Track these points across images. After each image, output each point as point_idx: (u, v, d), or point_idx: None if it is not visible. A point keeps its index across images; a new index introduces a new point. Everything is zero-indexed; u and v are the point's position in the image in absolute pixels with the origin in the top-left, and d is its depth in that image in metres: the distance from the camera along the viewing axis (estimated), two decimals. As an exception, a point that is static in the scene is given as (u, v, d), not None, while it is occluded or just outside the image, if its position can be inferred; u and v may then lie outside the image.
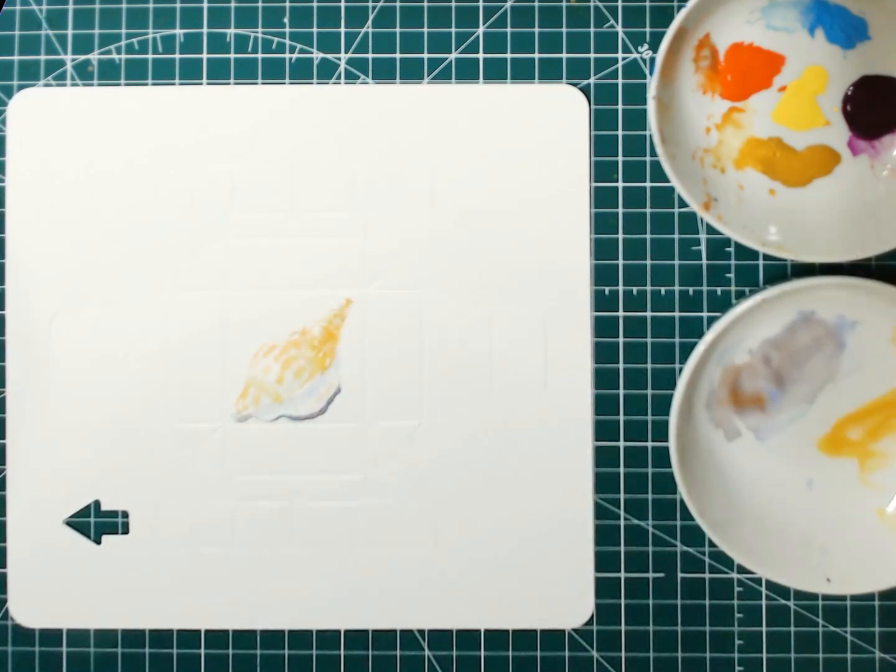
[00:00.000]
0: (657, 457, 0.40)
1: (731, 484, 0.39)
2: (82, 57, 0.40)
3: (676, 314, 0.40)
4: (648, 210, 0.40)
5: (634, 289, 0.40)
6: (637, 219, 0.40)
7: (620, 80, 0.40)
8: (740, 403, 0.39)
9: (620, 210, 0.40)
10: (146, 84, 0.40)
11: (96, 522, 0.40)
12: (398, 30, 0.40)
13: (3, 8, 0.40)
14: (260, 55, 0.40)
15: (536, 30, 0.40)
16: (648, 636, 0.40)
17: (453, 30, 0.40)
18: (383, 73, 0.40)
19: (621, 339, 0.40)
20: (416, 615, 0.40)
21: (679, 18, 0.36)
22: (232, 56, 0.40)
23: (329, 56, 0.40)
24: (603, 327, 0.40)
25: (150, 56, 0.40)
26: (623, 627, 0.40)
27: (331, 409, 0.40)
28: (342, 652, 0.40)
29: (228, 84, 0.40)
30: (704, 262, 0.40)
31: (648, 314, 0.40)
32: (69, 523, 0.40)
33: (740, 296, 0.40)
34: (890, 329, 0.39)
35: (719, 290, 0.40)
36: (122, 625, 0.40)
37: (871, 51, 0.38)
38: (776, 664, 0.40)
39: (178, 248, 0.40)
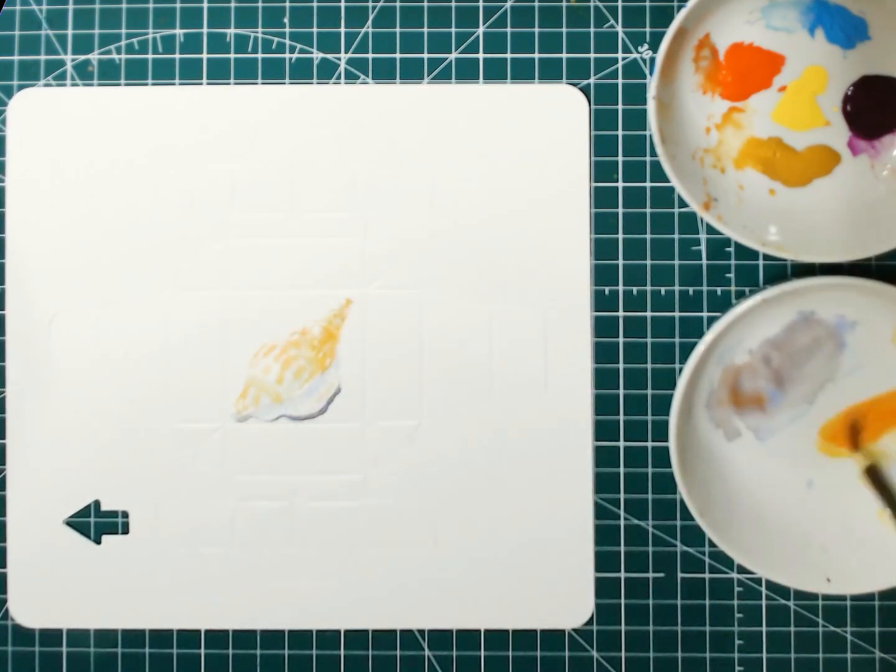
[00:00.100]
0: (657, 457, 0.40)
1: (731, 484, 0.39)
2: (82, 57, 0.40)
3: (676, 314, 0.40)
4: (648, 210, 0.40)
5: (634, 289, 0.40)
6: (637, 219, 0.40)
7: (620, 80, 0.40)
8: (740, 403, 0.39)
9: (620, 210, 0.40)
10: (146, 84, 0.40)
11: (96, 522, 0.40)
12: (398, 30, 0.40)
13: (3, 8, 0.40)
14: (260, 55, 0.40)
15: (536, 30, 0.40)
16: (648, 636, 0.40)
17: (453, 30, 0.40)
18: (383, 73, 0.40)
19: (621, 339, 0.40)
20: (416, 615, 0.40)
21: (679, 18, 0.36)
22: (232, 56, 0.40)
23: (329, 56, 0.40)
24: (603, 327, 0.40)
25: (150, 56, 0.40)
26: (623, 627, 0.40)
27: (331, 409, 0.40)
28: (342, 652, 0.40)
29: (228, 84, 0.40)
30: (704, 262, 0.40)
31: (648, 314, 0.40)
32: (69, 523, 0.40)
33: (740, 296, 0.40)
34: (890, 329, 0.39)
35: (719, 290, 0.40)
36: (122, 625, 0.40)
37: (871, 51, 0.38)
38: (776, 664, 0.40)
39: (178, 248, 0.40)
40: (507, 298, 0.40)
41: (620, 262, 0.40)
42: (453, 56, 0.40)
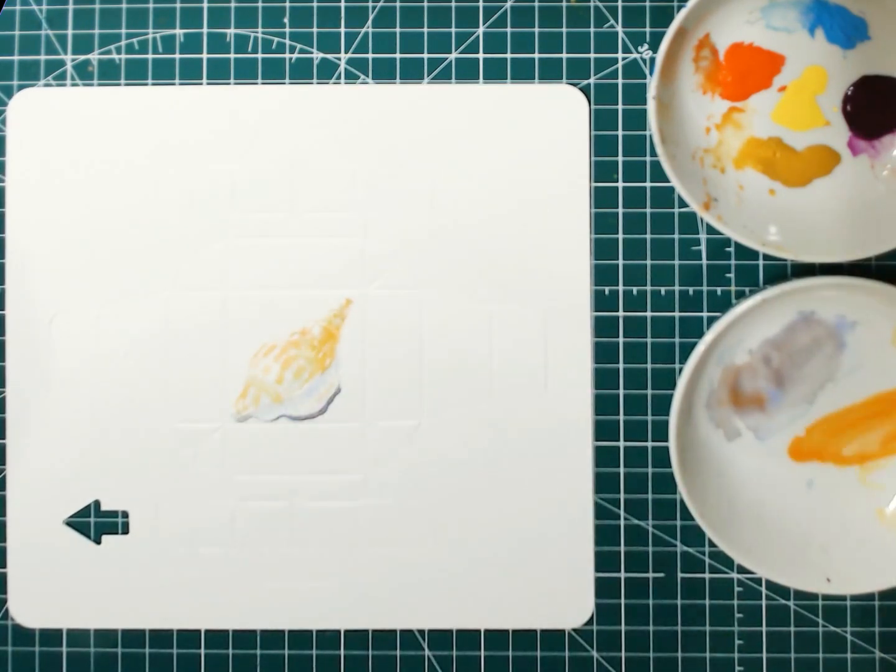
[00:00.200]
0: (657, 457, 0.40)
1: (731, 484, 0.39)
2: (82, 57, 0.40)
3: (676, 314, 0.40)
4: (648, 210, 0.40)
5: (634, 289, 0.40)
6: (637, 219, 0.40)
7: (620, 80, 0.40)
8: (740, 403, 0.39)
9: (620, 210, 0.40)
10: (146, 84, 0.40)
11: (96, 522, 0.40)
12: (398, 30, 0.40)
13: (3, 8, 0.40)
14: (260, 55, 0.40)
15: (536, 30, 0.40)
16: (648, 636, 0.40)
17: (453, 30, 0.40)
18: (383, 73, 0.40)
19: (621, 339, 0.40)
20: (416, 615, 0.40)
21: (679, 18, 0.36)
22: (232, 56, 0.40)
23: (329, 56, 0.40)
24: (603, 327, 0.40)
25: (150, 56, 0.40)
26: (623, 627, 0.40)
27: (331, 409, 0.40)
28: (342, 652, 0.40)
29: (228, 84, 0.40)
30: (704, 262, 0.40)
31: (648, 314, 0.40)
32: (69, 523, 0.40)
33: (740, 296, 0.40)
34: (890, 329, 0.39)
35: (719, 290, 0.40)
36: (122, 625, 0.40)
37: (871, 51, 0.38)
38: (776, 664, 0.40)
39: (178, 248, 0.40)
40: (507, 298, 0.40)
41: (620, 262, 0.40)
42: (453, 56, 0.40)
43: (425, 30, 0.40)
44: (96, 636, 0.40)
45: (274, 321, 0.40)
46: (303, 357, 0.40)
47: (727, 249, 0.40)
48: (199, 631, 0.40)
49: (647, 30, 0.40)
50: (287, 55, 0.40)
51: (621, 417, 0.40)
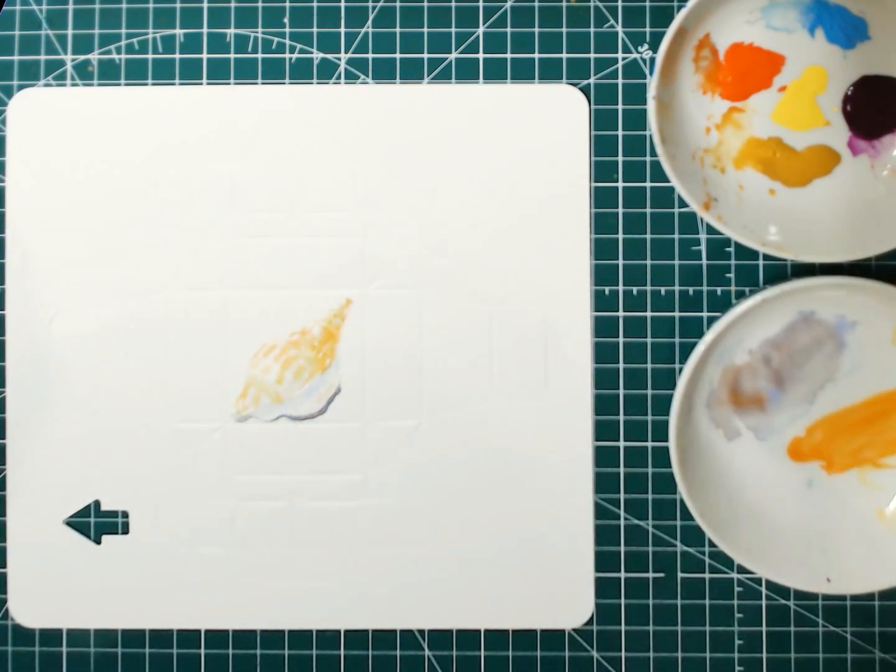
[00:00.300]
0: (657, 457, 0.40)
1: (731, 484, 0.39)
2: (82, 57, 0.40)
3: (676, 314, 0.40)
4: (648, 210, 0.40)
5: (634, 289, 0.40)
6: (637, 219, 0.40)
7: (620, 80, 0.40)
8: (740, 403, 0.39)
9: (620, 210, 0.40)
10: (146, 84, 0.40)
11: (96, 522, 0.40)
12: (398, 30, 0.40)
13: (3, 8, 0.40)
14: (260, 55, 0.40)
15: (536, 30, 0.40)
16: (648, 636, 0.40)
17: (453, 30, 0.40)
18: (383, 73, 0.40)
19: (621, 339, 0.40)
20: (416, 615, 0.40)
21: (679, 18, 0.36)
22: (232, 56, 0.40)
23: (329, 56, 0.40)
24: (603, 327, 0.40)
25: (150, 56, 0.40)
26: (623, 627, 0.40)
27: (331, 409, 0.40)
28: (342, 652, 0.40)
29: (228, 84, 0.40)
30: (704, 262, 0.40)
31: (648, 314, 0.40)
32: (69, 523, 0.40)
33: (740, 296, 0.40)
34: (890, 329, 0.39)
35: (719, 290, 0.40)
36: (122, 625, 0.40)
37: (871, 51, 0.38)
38: (776, 664, 0.40)
39: (178, 248, 0.40)
40: (507, 298, 0.40)
41: (620, 262, 0.40)
42: (453, 56, 0.40)
43: (425, 30, 0.40)
44: (96, 636, 0.40)
45: (274, 321, 0.40)
46: (303, 357, 0.40)
47: (727, 249, 0.40)
48: (199, 631, 0.40)
49: (647, 30, 0.40)
50: (287, 55, 0.40)
51: (621, 417, 0.40)
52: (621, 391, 0.40)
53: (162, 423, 0.40)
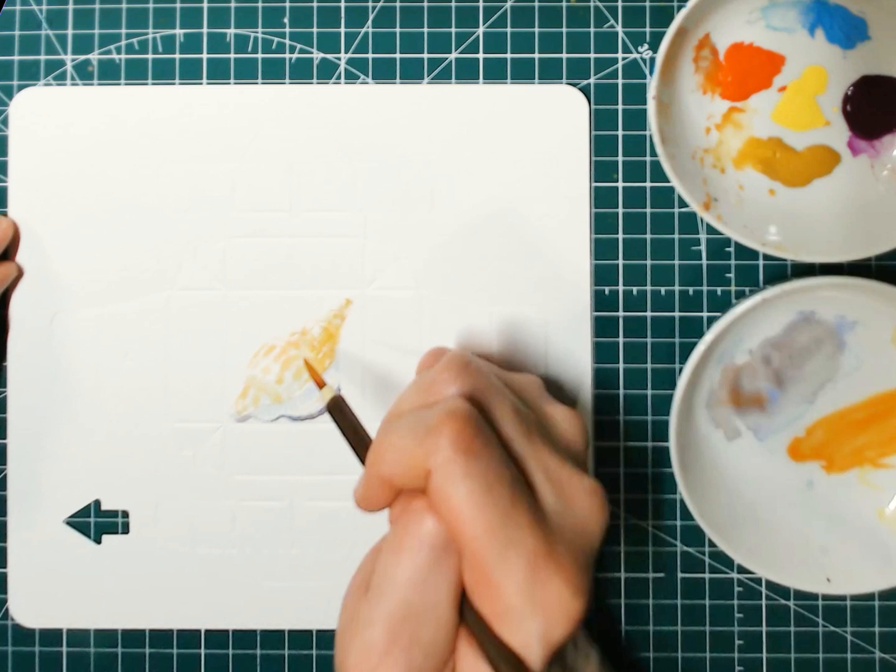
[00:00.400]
0: (657, 457, 0.40)
1: (731, 484, 0.39)
2: (82, 57, 0.40)
3: (676, 314, 0.40)
4: (648, 210, 0.40)
5: (634, 289, 0.40)
6: (637, 219, 0.40)
7: (620, 80, 0.40)
8: (740, 403, 0.39)
9: (620, 210, 0.40)
10: (146, 84, 0.40)
11: (96, 522, 0.40)
12: (398, 30, 0.40)
13: (3, 8, 0.40)
14: (260, 55, 0.40)
15: (536, 30, 0.40)
16: (648, 636, 0.40)
17: (453, 30, 0.40)
18: (383, 73, 0.40)
19: (621, 339, 0.40)
20: (416, 615, 0.40)
21: (679, 18, 0.36)
22: (232, 56, 0.40)
23: (329, 56, 0.40)
24: (603, 327, 0.40)
25: (150, 56, 0.40)
26: (623, 627, 0.40)
27: (331, 409, 0.40)
28: (342, 652, 0.40)
29: (228, 84, 0.40)
30: (704, 262, 0.40)
31: (648, 314, 0.40)
32: (69, 523, 0.40)
33: (740, 296, 0.40)
34: (890, 329, 0.39)
35: (719, 290, 0.40)
36: (122, 625, 0.40)
37: (871, 51, 0.38)
38: (776, 664, 0.40)
39: (178, 247, 0.40)
40: (507, 298, 0.40)
41: (620, 262, 0.40)
42: (453, 56, 0.40)
43: (425, 30, 0.40)
44: (96, 636, 0.40)
45: (274, 321, 0.40)
46: (303, 357, 0.40)
47: (727, 249, 0.40)
48: (199, 631, 0.40)
49: (647, 30, 0.40)
50: (287, 55, 0.40)
51: (621, 417, 0.40)
52: (621, 391, 0.40)
53: (162, 424, 0.40)
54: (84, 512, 0.40)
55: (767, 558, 0.38)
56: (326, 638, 0.40)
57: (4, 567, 0.40)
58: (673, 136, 0.38)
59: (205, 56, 0.40)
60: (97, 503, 0.40)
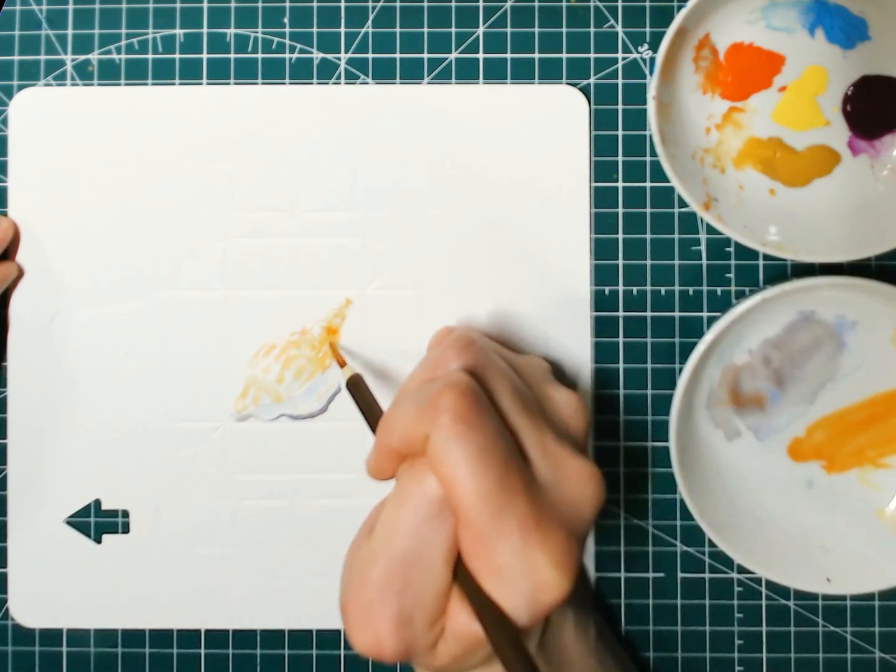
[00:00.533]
0: (657, 457, 0.40)
1: (731, 484, 0.39)
2: (82, 57, 0.40)
3: (676, 314, 0.40)
4: (648, 210, 0.40)
5: (634, 289, 0.40)
6: (637, 219, 0.40)
7: (620, 80, 0.40)
8: (740, 403, 0.39)
9: (620, 210, 0.40)
10: (146, 84, 0.40)
11: (96, 522, 0.40)
12: (398, 30, 0.40)
13: (3, 8, 0.40)
14: (260, 55, 0.40)
15: (536, 30, 0.40)
16: (648, 636, 0.40)
17: (453, 30, 0.40)
18: (383, 73, 0.40)
19: (621, 339, 0.40)
20: (416, 615, 0.40)
21: (679, 18, 0.36)
22: (232, 56, 0.40)
23: (329, 56, 0.40)
24: (603, 327, 0.40)
25: (150, 56, 0.40)
26: (623, 627, 0.40)
27: (331, 409, 0.40)
28: (342, 652, 0.40)
29: (228, 84, 0.40)
30: (704, 262, 0.40)
31: (648, 314, 0.40)
32: (69, 523, 0.40)
33: (740, 296, 0.40)
34: (890, 329, 0.39)
35: (719, 290, 0.40)
36: (122, 625, 0.40)
37: (871, 51, 0.38)
38: (776, 664, 0.40)
39: (178, 248, 0.40)
40: (507, 298, 0.40)
41: (620, 262, 0.40)
42: (453, 56, 0.40)
43: (425, 30, 0.40)
44: (96, 636, 0.40)
45: (274, 321, 0.40)
46: (303, 357, 0.40)
47: (727, 249, 0.40)
48: (199, 631, 0.40)
49: (647, 30, 0.40)
50: (287, 55, 0.40)
51: (621, 417, 0.40)
52: (621, 391, 0.40)
53: (162, 423, 0.40)
54: (84, 512, 0.40)
55: (767, 558, 0.38)
56: (326, 638, 0.40)
57: (4, 567, 0.40)
58: (673, 136, 0.38)
59: (205, 56, 0.40)
60: (97, 503, 0.40)
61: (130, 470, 0.40)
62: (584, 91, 0.40)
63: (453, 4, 0.40)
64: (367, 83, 0.40)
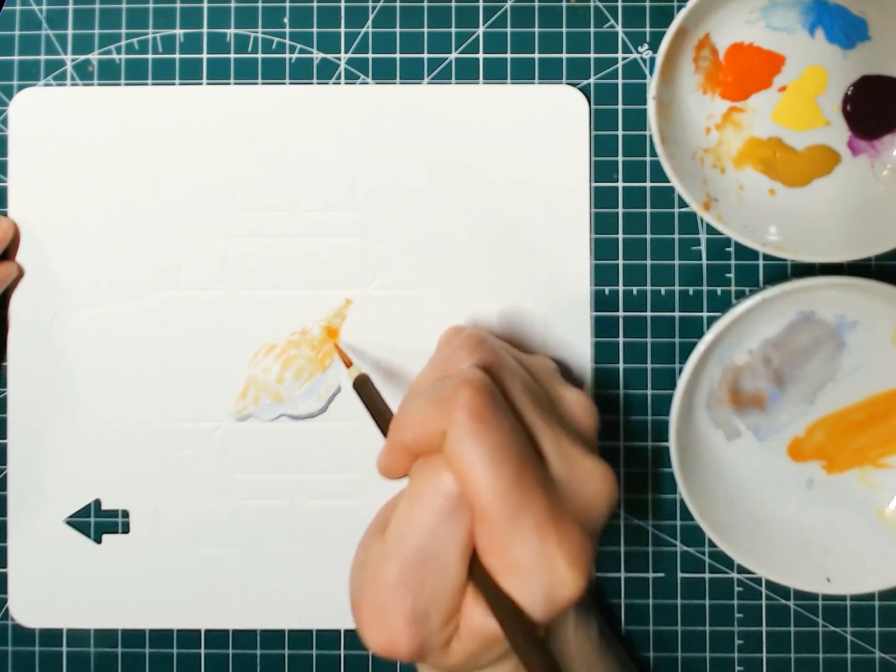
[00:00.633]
0: (657, 457, 0.40)
1: (731, 484, 0.39)
2: (82, 57, 0.40)
3: (676, 314, 0.40)
4: (648, 210, 0.40)
5: (634, 289, 0.40)
6: (637, 219, 0.40)
7: (620, 80, 0.40)
8: (740, 403, 0.39)
9: (620, 210, 0.40)
10: (146, 84, 0.40)
11: (96, 522, 0.40)
12: (398, 30, 0.40)
13: (3, 8, 0.40)
14: (260, 55, 0.40)
15: (536, 30, 0.40)
16: (648, 636, 0.40)
17: (453, 30, 0.40)
18: (383, 73, 0.40)
19: (621, 339, 0.40)
20: (416, 615, 0.40)
21: (679, 18, 0.36)
22: (232, 56, 0.40)
23: (329, 56, 0.40)
24: (603, 327, 0.40)
25: (150, 56, 0.40)
26: (623, 627, 0.40)
27: (331, 409, 0.40)
28: (342, 652, 0.40)
29: (228, 84, 0.40)
30: (704, 262, 0.40)
31: (648, 314, 0.40)
32: (69, 523, 0.40)
33: (740, 296, 0.40)
34: (890, 329, 0.39)
35: (719, 290, 0.40)
36: (122, 625, 0.40)
37: (871, 51, 0.38)
38: (776, 664, 0.40)
39: (178, 248, 0.40)
40: (507, 298, 0.40)
41: (620, 262, 0.40)
42: (453, 56, 0.40)
43: (425, 30, 0.40)
44: (96, 636, 0.40)
45: (274, 321, 0.40)
46: (303, 357, 0.40)
47: (727, 249, 0.40)
48: (199, 631, 0.40)
49: (647, 30, 0.40)
50: (287, 55, 0.40)
51: (621, 417, 0.40)
52: (621, 391, 0.40)
53: (162, 423, 0.40)
54: (84, 512, 0.40)
55: (767, 558, 0.38)
56: (327, 638, 0.40)
57: (4, 567, 0.40)
58: (673, 136, 0.38)
59: (205, 56, 0.40)
60: (97, 503, 0.40)
61: (130, 470, 0.40)
62: (584, 91, 0.40)
63: (453, 4, 0.40)
64: (367, 83, 0.40)
